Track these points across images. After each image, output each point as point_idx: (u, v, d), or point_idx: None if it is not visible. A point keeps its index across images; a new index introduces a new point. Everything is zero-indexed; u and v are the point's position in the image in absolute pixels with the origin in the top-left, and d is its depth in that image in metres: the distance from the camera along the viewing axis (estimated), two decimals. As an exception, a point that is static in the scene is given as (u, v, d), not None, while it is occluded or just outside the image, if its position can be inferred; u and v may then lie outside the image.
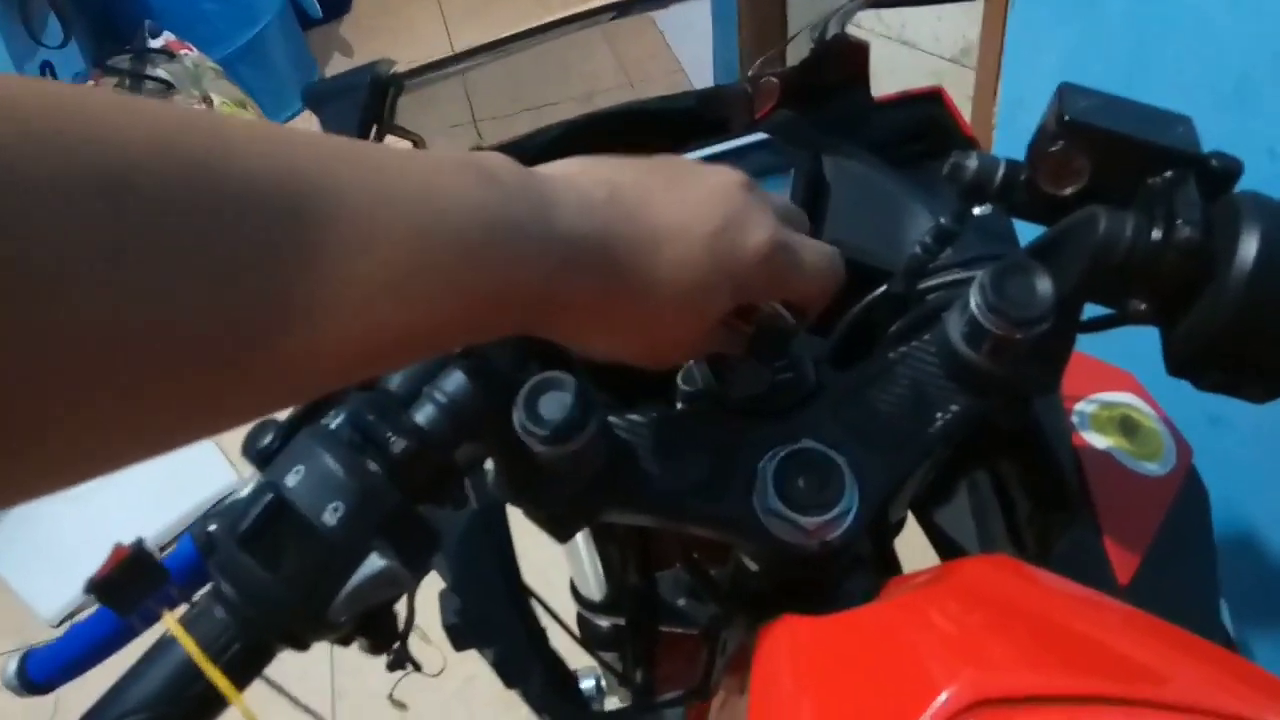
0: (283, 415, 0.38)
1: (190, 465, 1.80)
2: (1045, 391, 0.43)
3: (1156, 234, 0.35)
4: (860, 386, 0.42)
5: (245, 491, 0.35)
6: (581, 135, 0.62)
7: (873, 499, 0.39)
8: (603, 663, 0.76)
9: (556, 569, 0.75)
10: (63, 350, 0.21)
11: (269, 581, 0.33)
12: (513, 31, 0.64)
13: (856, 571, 0.43)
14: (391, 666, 0.43)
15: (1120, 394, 0.60)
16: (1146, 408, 0.59)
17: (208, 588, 0.35)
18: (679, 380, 0.45)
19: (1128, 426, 0.57)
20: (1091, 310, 0.40)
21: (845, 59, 0.65)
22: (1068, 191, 0.39)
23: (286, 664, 0.35)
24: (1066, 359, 0.41)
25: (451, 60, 0.63)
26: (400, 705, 0.52)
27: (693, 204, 0.35)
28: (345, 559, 0.33)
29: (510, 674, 0.57)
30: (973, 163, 0.40)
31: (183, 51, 2.31)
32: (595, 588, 0.77)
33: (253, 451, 0.37)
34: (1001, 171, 0.40)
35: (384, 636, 0.39)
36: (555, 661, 0.61)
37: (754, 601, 0.47)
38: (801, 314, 0.41)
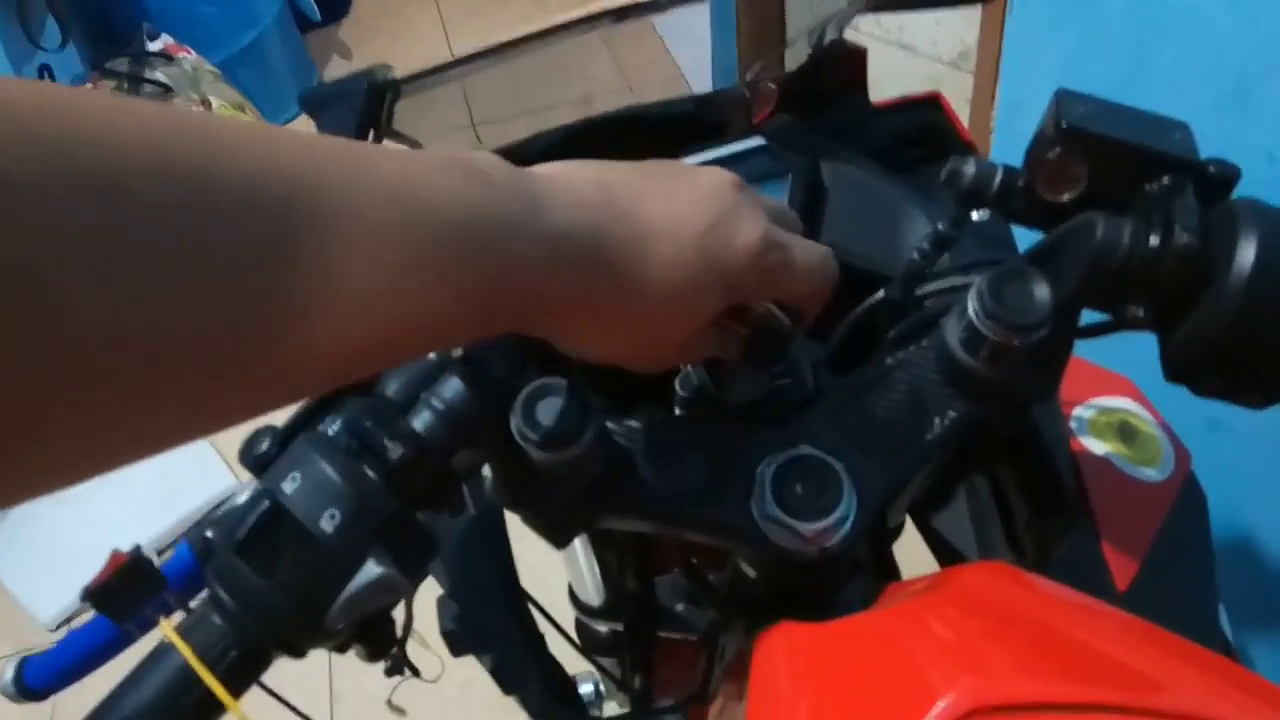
0: (280, 422, 0.38)
1: (188, 469, 1.80)
2: (1043, 398, 0.43)
3: (1154, 240, 0.35)
4: (858, 392, 0.42)
5: (242, 498, 0.35)
6: (579, 140, 0.62)
7: (871, 505, 0.39)
8: (601, 668, 0.76)
9: (555, 572, 0.75)
10: (62, 351, 0.21)
11: (265, 589, 0.33)
12: (511, 36, 0.64)
13: (854, 577, 0.43)
14: (389, 672, 0.43)
15: (1118, 399, 0.60)
16: (1145, 413, 0.59)
17: (205, 595, 0.35)
18: (677, 385, 0.45)
19: (1126, 432, 0.57)
20: (1089, 316, 0.40)
21: (843, 64, 0.65)
22: (1065, 197, 0.39)
23: (284, 668, 0.35)
24: (1064, 365, 0.41)
25: (450, 65, 0.63)
26: (398, 710, 0.52)
27: (684, 203, 0.35)
28: (342, 566, 0.33)
29: (508, 680, 0.57)
30: (970, 168, 0.40)
31: (181, 54, 2.31)
32: (593, 593, 0.77)
33: (250, 458, 0.37)
34: (999, 177, 0.40)
35: (381, 643, 0.39)
36: (553, 667, 0.61)
37: (752, 607, 0.47)
38: (796, 316, 0.41)
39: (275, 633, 0.34)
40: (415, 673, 0.44)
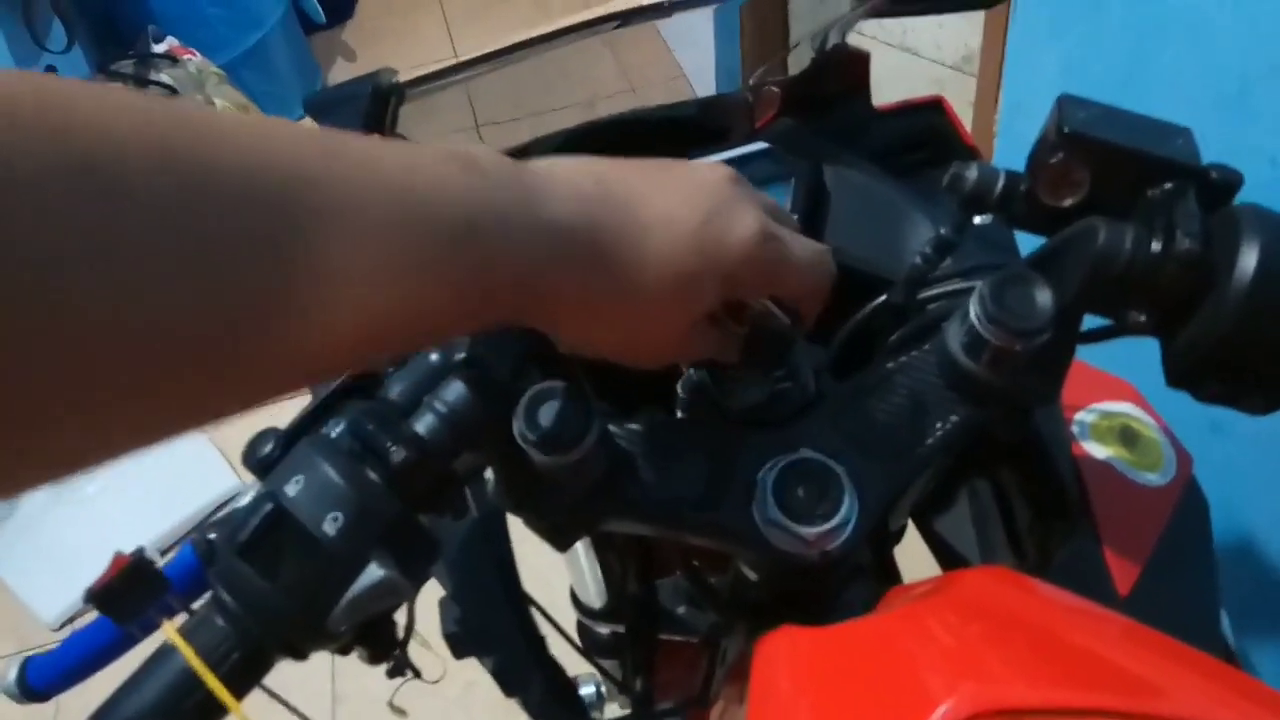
0: (283, 424, 0.38)
1: (192, 470, 1.80)
2: (1045, 402, 0.43)
3: (1156, 246, 0.35)
4: (860, 396, 0.42)
5: (245, 501, 0.35)
6: (582, 143, 0.63)
7: (872, 509, 0.39)
8: (602, 670, 0.76)
9: (557, 573, 0.75)
10: (62, 349, 0.21)
11: (268, 591, 0.33)
12: (515, 40, 0.64)
13: (856, 581, 0.43)
14: (391, 673, 0.43)
15: (1120, 404, 0.60)
16: (1146, 417, 0.59)
17: (207, 597, 0.35)
18: (679, 389, 0.45)
19: (1128, 436, 0.56)
20: (1091, 321, 0.40)
21: (846, 68, 0.65)
22: (1067, 203, 0.39)
23: (287, 669, 0.35)
24: (1066, 370, 0.41)
25: (453, 69, 0.63)
26: (400, 711, 0.52)
27: (680, 196, 0.35)
28: (344, 569, 0.33)
29: (510, 683, 0.57)
30: (972, 173, 0.40)
31: (186, 56, 2.31)
32: (595, 595, 0.77)
33: (253, 461, 0.37)
34: (1001, 182, 0.40)
35: (383, 646, 0.39)
36: (555, 669, 0.61)
37: (754, 610, 0.47)
38: (795, 315, 0.41)
39: (277, 635, 0.34)
40: (417, 674, 0.44)
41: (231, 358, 0.25)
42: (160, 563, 0.42)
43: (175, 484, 1.76)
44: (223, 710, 0.33)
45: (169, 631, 0.34)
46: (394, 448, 0.35)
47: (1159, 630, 0.32)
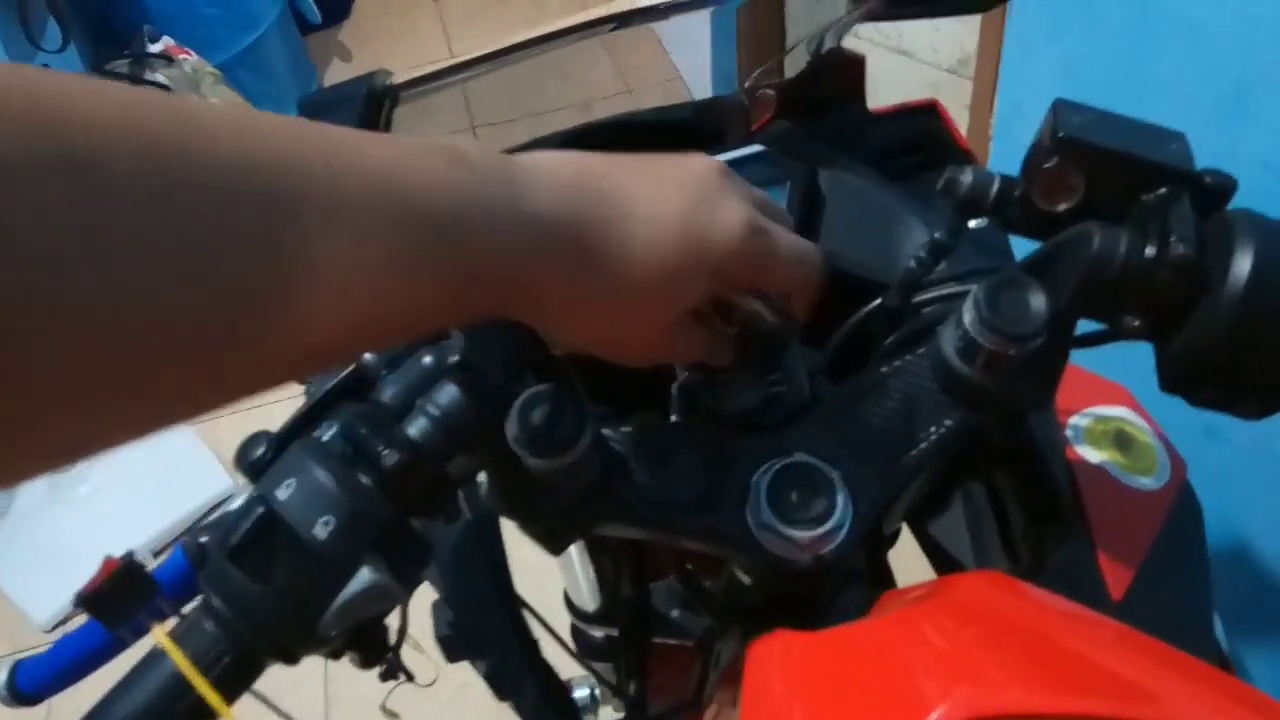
0: (275, 427, 0.38)
1: (186, 471, 1.80)
2: (1039, 406, 0.43)
3: (1150, 251, 0.35)
4: (854, 400, 0.42)
5: (236, 504, 0.35)
6: (577, 145, 0.62)
7: (866, 513, 0.39)
8: (596, 674, 0.76)
9: (550, 576, 0.75)
10: (48, 344, 0.21)
11: (259, 595, 0.32)
12: (512, 41, 0.64)
13: (850, 585, 0.43)
14: (384, 677, 0.43)
15: (1115, 408, 0.60)
16: (1141, 422, 0.59)
17: (198, 600, 0.35)
18: (673, 392, 0.45)
19: (1122, 441, 0.57)
20: (1085, 325, 0.40)
21: (842, 72, 0.65)
22: (1062, 207, 0.39)
23: (279, 672, 0.35)
24: (1060, 374, 0.41)
25: (449, 71, 0.63)
26: (393, 715, 0.52)
27: (667, 186, 0.35)
28: (336, 573, 0.33)
29: (503, 687, 0.57)
30: (967, 178, 0.40)
31: (182, 56, 2.31)
32: (589, 599, 0.77)
33: (245, 464, 0.37)
34: (996, 187, 0.40)
35: (375, 650, 0.39)
36: (548, 673, 0.61)
37: (747, 614, 0.47)
38: (785, 314, 0.41)
39: (269, 639, 0.33)
40: (410, 678, 0.44)
41: (219, 352, 0.25)
42: (152, 565, 0.42)
43: (169, 485, 1.76)
44: (213, 715, 0.33)
45: (159, 635, 0.34)
46: (386, 451, 0.35)
47: (1152, 635, 0.32)
